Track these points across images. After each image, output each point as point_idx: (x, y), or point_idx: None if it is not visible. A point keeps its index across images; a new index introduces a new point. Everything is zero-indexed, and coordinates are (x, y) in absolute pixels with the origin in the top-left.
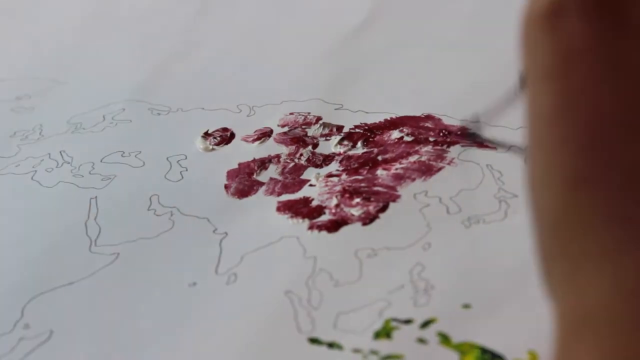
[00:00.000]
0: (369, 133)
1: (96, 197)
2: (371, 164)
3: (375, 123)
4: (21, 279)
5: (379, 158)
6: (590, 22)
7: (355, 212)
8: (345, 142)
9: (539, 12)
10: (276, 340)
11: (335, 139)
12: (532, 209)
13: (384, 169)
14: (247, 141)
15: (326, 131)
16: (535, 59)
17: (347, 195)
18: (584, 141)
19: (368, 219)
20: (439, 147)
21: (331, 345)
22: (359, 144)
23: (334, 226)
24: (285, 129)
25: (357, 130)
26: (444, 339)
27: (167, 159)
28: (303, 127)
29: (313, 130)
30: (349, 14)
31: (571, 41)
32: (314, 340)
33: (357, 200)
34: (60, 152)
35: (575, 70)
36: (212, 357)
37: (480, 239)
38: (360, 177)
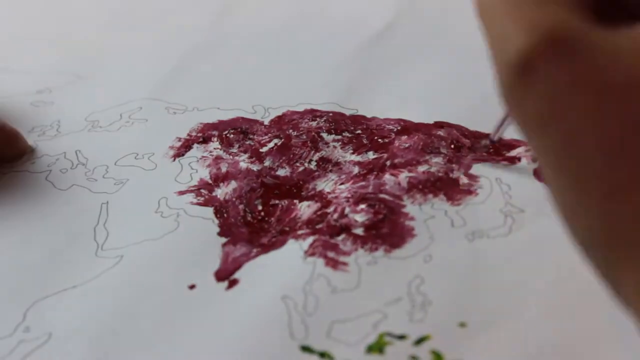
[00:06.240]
0: (379, 139)
1: (107, 202)
2: (379, 169)
3: (387, 128)
4: (25, 282)
5: (387, 163)
6: (564, 63)
7: (359, 218)
8: (356, 148)
9: (512, 71)
10: (268, 347)
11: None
12: (571, 234)
13: (392, 174)
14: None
15: (339, 136)
16: (524, 110)
17: (352, 200)
18: (602, 159)
19: (371, 227)
20: (448, 160)
21: (322, 355)
22: (370, 152)
23: (335, 232)
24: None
25: (369, 135)
26: (437, 357)
27: (179, 161)
28: (317, 131)
29: (327, 135)
30: (371, 20)
31: (554, 86)
32: (305, 348)
33: (362, 206)
34: (75, 151)
35: (572, 104)
36: None
37: (483, 255)
38: (366, 183)
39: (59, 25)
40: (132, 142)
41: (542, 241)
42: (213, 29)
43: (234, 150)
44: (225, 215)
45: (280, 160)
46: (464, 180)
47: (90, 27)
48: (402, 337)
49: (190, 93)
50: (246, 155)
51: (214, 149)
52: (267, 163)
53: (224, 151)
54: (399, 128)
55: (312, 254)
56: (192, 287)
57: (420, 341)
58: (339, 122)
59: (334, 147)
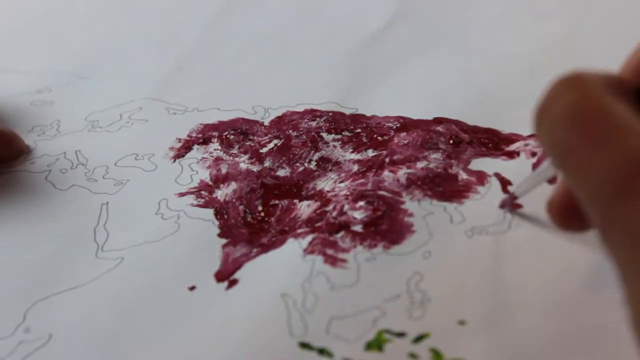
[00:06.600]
0: (379, 137)
1: (107, 202)
2: (378, 166)
3: (387, 126)
4: (26, 283)
5: (387, 160)
6: None
7: (358, 215)
8: (356, 147)
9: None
10: (267, 344)
11: (347, 145)
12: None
13: (391, 170)
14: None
15: (339, 135)
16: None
17: (351, 198)
18: None
19: (369, 223)
20: (447, 156)
21: (322, 351)
22: (370, 150)
23: (334, 229)
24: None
25: (369, 134)
26: (436, 355)
27: (179, 162)
28: (317, 131)
29: (327, 135)
30: (370, 18)
31: None
32: (304, 345)
33: (361, 203)
34: (75, 151)
35: None
36: None
37: (482, 251)
38: (365, 180)
39: (59, 25)
40: (132, 142)
41: (541, 237)
42: (213, 29)
43: (234, 151)
44: (225, 216)
45: (280, 161)
46: (462, 175)
47: (90, 27)
48: (401, 335)
49: (190, 93)
50: (246, 156)
51: (214, 150)
52: (267, 164)
53: (224, 152)
54: (398, 125)
55: (311, 252)
56: (192, 288)
57: (419, 339)
58: (338, 122)
59: (334, 146)
